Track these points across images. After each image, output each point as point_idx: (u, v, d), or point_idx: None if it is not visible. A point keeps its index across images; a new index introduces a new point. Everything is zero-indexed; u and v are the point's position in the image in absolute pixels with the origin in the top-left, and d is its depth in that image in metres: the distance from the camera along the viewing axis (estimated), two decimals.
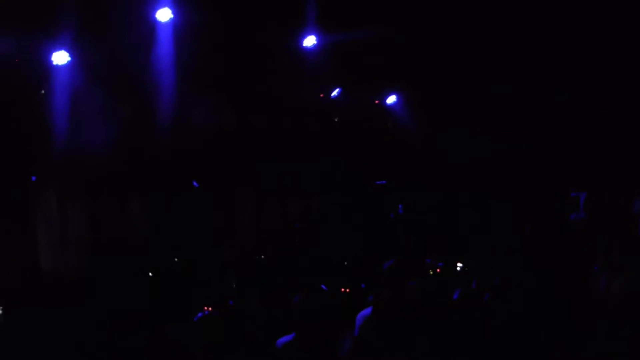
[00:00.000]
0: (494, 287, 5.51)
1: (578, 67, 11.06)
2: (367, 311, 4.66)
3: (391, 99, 13.39)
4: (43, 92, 10.20)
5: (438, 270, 7.81)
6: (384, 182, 12.71)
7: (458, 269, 7.60)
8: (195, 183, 11.07)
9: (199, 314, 4.21)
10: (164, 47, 10.34)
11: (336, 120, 13.25)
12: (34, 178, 10.02)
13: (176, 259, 10.30)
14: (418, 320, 4.04)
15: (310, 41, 11.34)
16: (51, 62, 9.74)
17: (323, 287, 7.78)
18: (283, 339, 4.25)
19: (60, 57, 9.71)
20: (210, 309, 5.47)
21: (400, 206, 12.19)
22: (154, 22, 10.10)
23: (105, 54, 9.98)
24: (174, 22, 10.12)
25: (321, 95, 12.77)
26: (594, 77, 11.00)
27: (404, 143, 13.06)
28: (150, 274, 9.72)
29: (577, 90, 11.48)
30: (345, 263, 10.90)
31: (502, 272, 6.15)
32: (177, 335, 4.82)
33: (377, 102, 13.54)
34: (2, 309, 7.89)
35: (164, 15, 10.02)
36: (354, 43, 10.99)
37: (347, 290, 8.15)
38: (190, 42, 10.24)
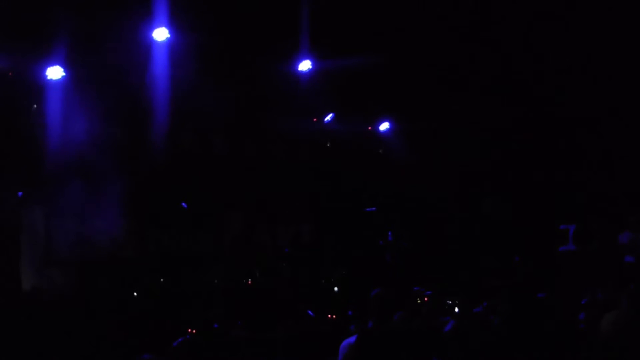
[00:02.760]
0: (480, 320, 5.47)
1: (568, 98, 11.16)
2: (352, 339, 4.57)
3: (384, 126, 13.40)
4: (35, 106, 10.16)
5: (425, 299, 7.75)
6: (373, 208, 12.67)
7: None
8: (184, 204, 10.98)
9: (180, 339, 4.12)
10: (159, 67, 10.34)
11: (328, 145, 13.25)
12: (20, 194, 9.89)
13: (162, 280, 10.17)
14: (402, 351, 3.97)
15: (305, 65, 11.39)
16: (45, 77, 9.71)
17: (310, 312, 7.71)
18: None
19: (55, 72, 9.69)
20: (193, 331, 5.38)
21: (389, 233, 12.13)
22: (150, 42, 10.12)
23: (99, 71, 9.95)
24: (170, 43, 10.13)
25: (314, 119, 12.79)
26: (583, 109, 11.09)
27: (395, 170, 13.05)
28: (135, 294, 9.59)
29: (567, 122, 11.57)
30: (335, 289, 10.81)
31: (489, 305, 6.11)
32: (159, 358, 4.73)
33: (369, 128, 13.56)
34: None
35: (160, 35, 10.03)
36: (348, 69, 11.04)
37: (334, 316, 8.07)
38: (186, 63, 10.24)
